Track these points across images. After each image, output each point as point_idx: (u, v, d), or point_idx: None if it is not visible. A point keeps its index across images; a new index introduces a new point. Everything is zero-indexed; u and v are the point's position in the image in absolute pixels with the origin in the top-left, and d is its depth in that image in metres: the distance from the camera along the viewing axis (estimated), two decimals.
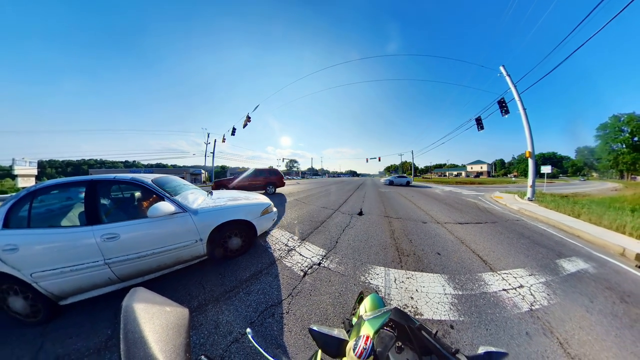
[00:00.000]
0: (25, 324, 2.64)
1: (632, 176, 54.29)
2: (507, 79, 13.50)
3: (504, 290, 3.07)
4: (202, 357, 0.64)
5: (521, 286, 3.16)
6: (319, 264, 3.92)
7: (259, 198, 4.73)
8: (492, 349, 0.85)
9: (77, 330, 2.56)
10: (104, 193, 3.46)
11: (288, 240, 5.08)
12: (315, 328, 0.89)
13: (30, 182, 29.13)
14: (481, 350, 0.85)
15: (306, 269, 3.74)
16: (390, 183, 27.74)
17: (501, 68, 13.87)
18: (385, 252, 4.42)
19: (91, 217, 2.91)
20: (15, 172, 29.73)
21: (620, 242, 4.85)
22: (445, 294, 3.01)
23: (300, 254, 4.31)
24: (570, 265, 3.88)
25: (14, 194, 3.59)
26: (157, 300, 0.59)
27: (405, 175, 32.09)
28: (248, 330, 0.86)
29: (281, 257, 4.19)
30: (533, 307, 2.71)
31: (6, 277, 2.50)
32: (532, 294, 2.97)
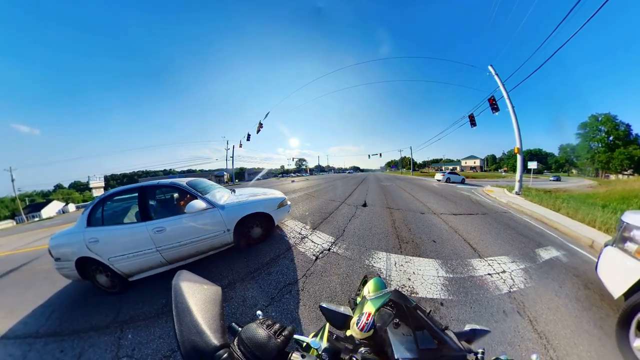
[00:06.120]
0: (108, 293, 3.28)
1: (606, 174, 51.38)
2: (496, 77, 12.81)
3: (488, 274, 3.12)
4: (233, 323, 0.69)
5: (504, 271, 3.20)
6: (329, 249, 4.04)
7: (275, 193, 4.78)
8: (477, 326, 0.88)
9: (142, 298, 3.02)
10: (151, 196, 3.76)
11: (301, 229, 5.17)
12: (324, 305, 0.94)
13: (100, 192, 35.55)
14: (467, 327, 0.88)
15: (317, 254, 3.87)
16: (447, 180, 21.72)
17: (489, 67, 13.10)
18: (386, 239, 4.44)
19: (144, 215, 3.28)
20: (91, 186, 37.86)
21: (590, 235, 4.80)
22: (438, 276, 3.08)
23: (312, 241, 4.43)
24: (547, 254, 3.87)
25: (90, 201, 4.28)
26: (197, 280, 0.65)
27: (456, 172, 25.31)
28: (259, 312, 0.80)
29: (296, 244, 4.33)
30: (511, 290, 2.77)
31: (93, 261, 3.08)
32: (512, 279, 3.02)
